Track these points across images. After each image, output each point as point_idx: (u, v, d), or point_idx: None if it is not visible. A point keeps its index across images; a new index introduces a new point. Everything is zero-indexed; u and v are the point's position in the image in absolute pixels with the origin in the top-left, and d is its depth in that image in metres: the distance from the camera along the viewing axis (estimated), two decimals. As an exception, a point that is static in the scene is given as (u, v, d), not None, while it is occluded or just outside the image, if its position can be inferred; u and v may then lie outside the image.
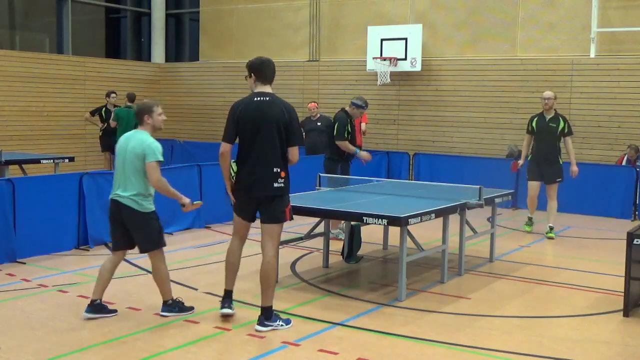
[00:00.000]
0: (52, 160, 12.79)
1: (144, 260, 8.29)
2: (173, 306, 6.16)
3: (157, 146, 5.91)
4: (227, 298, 6.09)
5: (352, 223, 8.01)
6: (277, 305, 6.49)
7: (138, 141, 5.94)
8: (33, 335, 5.59)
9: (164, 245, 6.14)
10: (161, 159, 5.90)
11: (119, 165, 6.05)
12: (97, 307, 6.04)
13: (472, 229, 8.38)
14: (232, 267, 6.08)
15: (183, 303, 6.24)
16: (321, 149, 13.66)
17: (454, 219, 7.73)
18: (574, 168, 10.18)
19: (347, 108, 9.86)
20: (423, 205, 7.27)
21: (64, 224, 8.60)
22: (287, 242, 8.09)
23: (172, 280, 7.31)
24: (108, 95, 15.28)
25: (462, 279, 7.82)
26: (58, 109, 16.70)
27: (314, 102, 14.29)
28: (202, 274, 6.98)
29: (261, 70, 5.82)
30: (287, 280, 7.49)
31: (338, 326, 6.01)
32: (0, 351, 5.22)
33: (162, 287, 6.15)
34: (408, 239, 6.87)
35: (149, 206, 5.98)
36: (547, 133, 10.09)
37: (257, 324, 5.83)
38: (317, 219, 7.95)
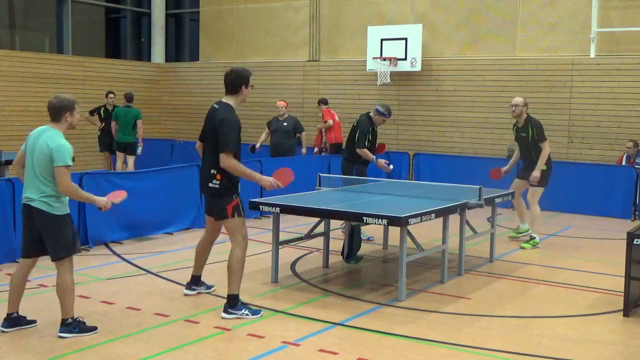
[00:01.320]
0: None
1: (144, 260, 8.31)
2: (73, 326, 5.53)
3: (68, 148, 5.36)
4: (191, 282, 6.82)
5: (352, 223, 8.01)
6: (277, 305, 6.52)
7: (46, 140, 5.39)
8: (33, 335, 5.59)
9: (77, 252, 5.65)
10: (70, 163, 5.35)
11: (28, 164, 5.48)
12: (14, 321, 5.66)
13: (472, 229, 8.38)
14: (198, 256, 6.73)
15: (84, 323, 5.63)
16: (287, 150, 13.07)
17: (454, 219, 7.72)
18: (534, 173, 9.35)
19: (370, 113, 9.71)
20: (423, 205, 7.26)
21: (64, 224, 8.58)
22: (287, 242, 8.10)
23: (172, 281, 7.34)
24: (107, 95, 15.30)
25: (462, 279, 7.82)
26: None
27: (284, 100, 13.74)
28: (204, 274, 6.99)
29: (223, 81, 6.28)
30: (287, 280, 7.49)
31: (338, 326, 6.01)
32: (1, 351, 5.22)
33: (63, 302, 5.51)
34: (408, 239, 6.86)
35: (63, 209, 5.46)
36: (521, 142, 9.65)
37: (222, 311, 6.16)
38: (317, 219, 7.94)
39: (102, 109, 15.26)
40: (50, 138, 5.41)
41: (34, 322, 5.77)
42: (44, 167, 5.38)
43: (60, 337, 5.50)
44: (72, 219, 5.60)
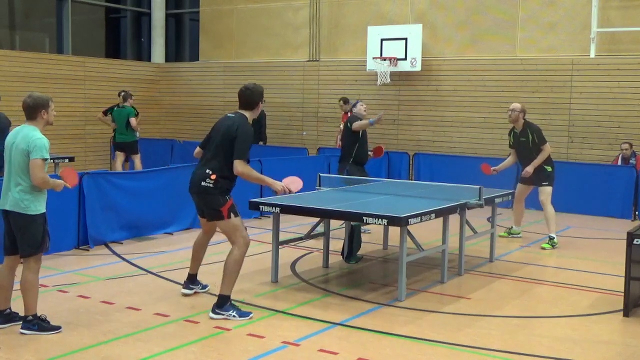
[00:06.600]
0: (52, 160, 12.75)
1: (144, 260, 8.31)
2: (33, 324, 5.59)
3: (44, 142, 5.45)
4: (188, 280, 6.86)
5: (352, 223, 8.01)
6: (277, 305, 6.52)
7: (23, 137, 5.47)
8: (33, 335, 5.58)
9: (46, 250, 5.71)
10: (47, 156, 5.43)
11: (7, 169, 5.55)
12: (7, 317, 5.73)
13: (472, 229, 8.38)
14: (194, 255, 6.81)
15: (48, 322, 5.68)
16: None
17: (454, 219, 7.73)
18: (527, 169, 9.55)
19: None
20: (423, 205, 7.26)
21: (64, 224, 8.59)
22: (287, 242, 8.10)
23: (172, 281, 7.34)
24: (119, 94, 15.11)
25: (462, 279, 7.82)
26: (58, 109, 16.29)
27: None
28: (201, 274, 6.99)
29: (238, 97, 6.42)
30: (287, 280, 7.49)
31: (338, 326, 6.01)
32: (1, 351, 5.22)
33: (25, 299, 5.61)
34: (408, 239, 6.87)
35: (39, 208, 5.56)
36: (521, 147, 9.73)
37: (210, 311, 6.16)
38: (317, 219, 7.95)
39: (115, 108, 14.99)
40: (28, 134, 5.48)
41: (26, 317, 5.73)
42: (21, 164, 5.46)
43: (22, 333, 5.55)
44: (45, 219, 5.64)
